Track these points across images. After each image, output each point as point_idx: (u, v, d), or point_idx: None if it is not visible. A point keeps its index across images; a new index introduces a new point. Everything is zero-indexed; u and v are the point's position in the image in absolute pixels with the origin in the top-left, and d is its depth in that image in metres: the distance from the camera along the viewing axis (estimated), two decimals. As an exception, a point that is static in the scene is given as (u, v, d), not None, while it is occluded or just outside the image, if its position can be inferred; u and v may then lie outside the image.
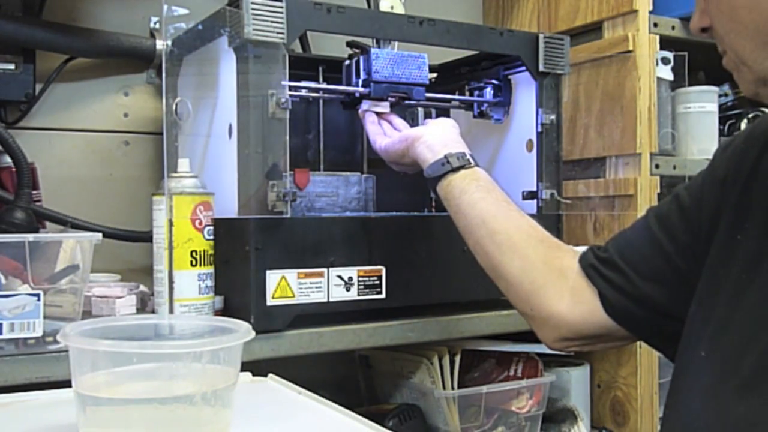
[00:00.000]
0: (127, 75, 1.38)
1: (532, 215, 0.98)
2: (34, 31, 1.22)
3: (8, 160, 1.14)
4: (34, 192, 1.18)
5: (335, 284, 1.07)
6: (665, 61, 1.44)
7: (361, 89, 1.15)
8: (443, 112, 1.36)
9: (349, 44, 1.18)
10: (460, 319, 1.18)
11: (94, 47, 1.29)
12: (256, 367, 0.90)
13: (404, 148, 1.06)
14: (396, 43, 1.17)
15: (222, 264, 1.04)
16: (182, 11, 1.22)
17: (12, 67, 1.22)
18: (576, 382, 1.41)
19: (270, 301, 1.02)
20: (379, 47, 1.15)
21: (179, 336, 0.74)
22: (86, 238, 0.96)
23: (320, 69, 1.28)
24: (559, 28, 1.55)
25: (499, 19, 1.73)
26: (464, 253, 1.04)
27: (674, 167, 1.43)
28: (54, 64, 1.30)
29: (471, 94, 1.33)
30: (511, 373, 1.34)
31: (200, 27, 1.13)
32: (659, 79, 1.43)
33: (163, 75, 1.35)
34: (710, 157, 0.86)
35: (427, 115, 1.33)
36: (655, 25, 1.42)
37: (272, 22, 1.01)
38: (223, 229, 1.04)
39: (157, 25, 1.35)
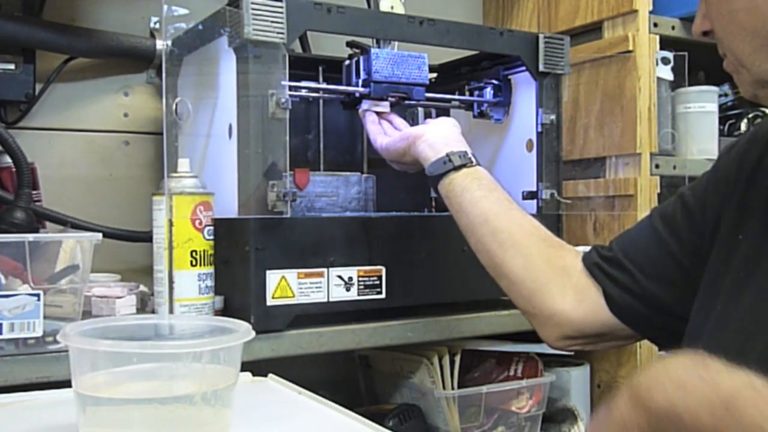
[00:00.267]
0: (127, 75, 1.38)
1: (532, 215, 0.98)
2: (34, 31, 1.22)
3: (8, 160, 1.14)
4: (34, 192, 1.18)
5: (335, 284, 1.07)
6: (665, 61, 1.44)
7: (361, 89, 1.14)
8: (443, 112, 1.36)
9: (349, 44, 1.18)
10: (460, 319, 1.18)
11: (94, 47, 1.29)
12: (256, 367, 0.90)
13: (405, 147, 1.06)
14: (396, 43, 1.17)
15: (222, 264, 1.04)
16: (182, 11, 1.22)
17: (12, 67, 1.22)
18: (576, 382, 1.41)
19: (270, 301, 1.02)
20: (379, 47, 1.15)
21: (179, 336, 0.74)
22: (86, 238, 0.96)
23: (320, 69, 1.28)
24: (559, 28, 1.55)
25: (499, 19, 1.73)
26: (464, 253, 1.04)
27: (674, 167, 1.43)
28: (54, 64, 1.30)
29: (471, 94, 1.33)
30: (511, 373, 1.34)
31: (200, 27, 1.13)
32: (659, 79, 1.43)
33: (163, 75, 1.35)
34: (710, 157, 0.86)
35: (427, 115, 1.33)
36: (655, 25, 1.42)
37: (272, 22, 1.01)
38: (223, 229, 1.04)
39: (157, 25, 1.35)
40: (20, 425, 0.72)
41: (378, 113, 1.15)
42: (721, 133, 1.55)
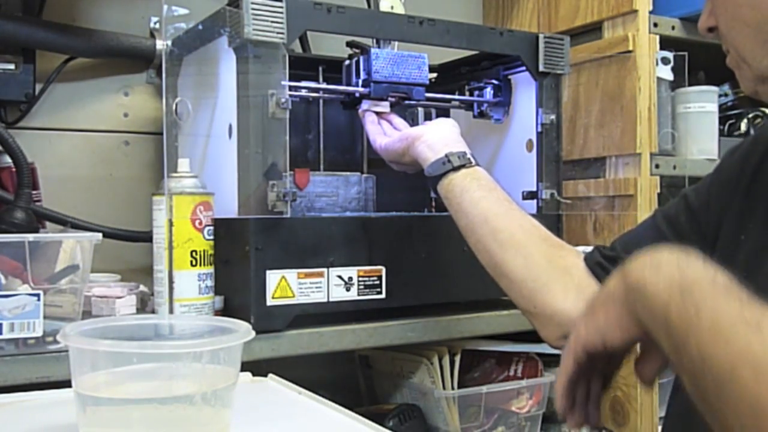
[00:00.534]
0: (127, 75, 1.38)
1: (532, 215, 0.98)
2: (34, 31, 1.22)
3: (8, 160, 1.14)
4: (34, 192, 1.18)
5: (335, 284, 1.07)
6: (665, 61, 1.44)
7: (361, 89, 1.15)
8: (443, 112, 1.36)
9: (349, 44, 1.18)
10: (460, 319, 1.18)
11: (94, 47, 1.29)
12: (256, 367, 0.90)
13: (404, 147, 1.06)
14: (396, 43, 1.17)
15: (222, 264, 1.04)
16: (182, 11, 1.22)
17: (12, 67, 1.22)
18: (576, 382, 1.40)
19: (270, 301, 1.02)
20: (379, 47, 1.15)
21: (179, 336, 0.74)
22: (86, 238, 0.96)
23: (320, 69, 1.28)
24: (559, 28, 1.55)
25: (499, 19, 1.73)
26: (464, 253, 1.04)
27: (674, 167, 1.43)
28: (54, 64, 1.30)
29: (471, 94, 1.33)
30: (511, 373, 1.34)
31: (200, 27, 1.13)
32: (659, 79, 1.43)
33: (163, 75, 1.35)
34: (710, 157, 0.87)
35: (427, 115, 1.33)
36: (655, 25, 1.42)
37: (272, 22, 1.01)
38: (223, 229, 1.04)
39: (157, 25, 1.35)
40: (20, 425, 0.72)
41: (378, 113, 1.15)
42: (721, 133, 1.55)
